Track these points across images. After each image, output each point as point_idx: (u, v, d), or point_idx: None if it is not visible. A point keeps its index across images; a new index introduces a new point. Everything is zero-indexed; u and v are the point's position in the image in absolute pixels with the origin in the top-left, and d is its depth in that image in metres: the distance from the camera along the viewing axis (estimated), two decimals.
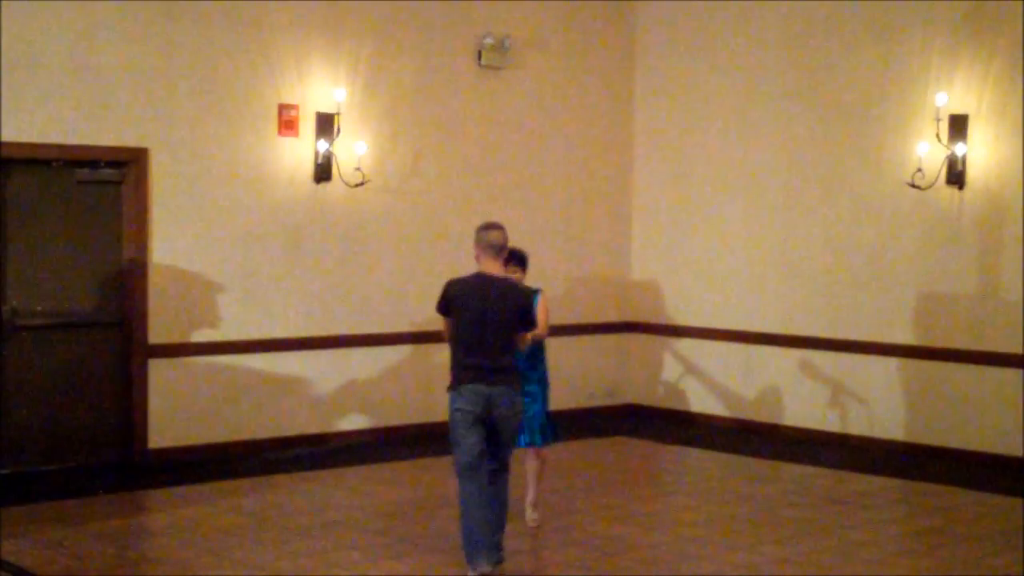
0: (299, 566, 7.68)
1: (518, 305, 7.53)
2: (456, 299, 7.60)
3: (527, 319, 7.59)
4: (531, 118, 12.58)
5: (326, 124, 11.07)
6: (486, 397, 7.35)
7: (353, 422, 11.51)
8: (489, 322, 7.43)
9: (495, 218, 12.20)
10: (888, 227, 11.42)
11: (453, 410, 7.43)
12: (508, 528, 7.72)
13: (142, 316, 10.32)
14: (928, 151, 10.94)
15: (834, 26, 11.77)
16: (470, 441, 7.34)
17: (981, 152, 10.80)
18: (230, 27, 10.66)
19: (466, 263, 12.18)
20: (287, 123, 10.99)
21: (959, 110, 10.85)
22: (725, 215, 12.62)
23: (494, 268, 7.61)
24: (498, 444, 7.44)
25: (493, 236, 7.61)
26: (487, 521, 7.34)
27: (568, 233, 12.80)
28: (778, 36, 12.19)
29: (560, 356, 11.29)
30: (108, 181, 10.27)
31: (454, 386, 7.47)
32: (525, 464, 8.50)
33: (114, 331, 10.33)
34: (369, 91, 11.44)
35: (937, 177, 10.94)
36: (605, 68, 13.12)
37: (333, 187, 11.22)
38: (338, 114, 11.08)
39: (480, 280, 7.57)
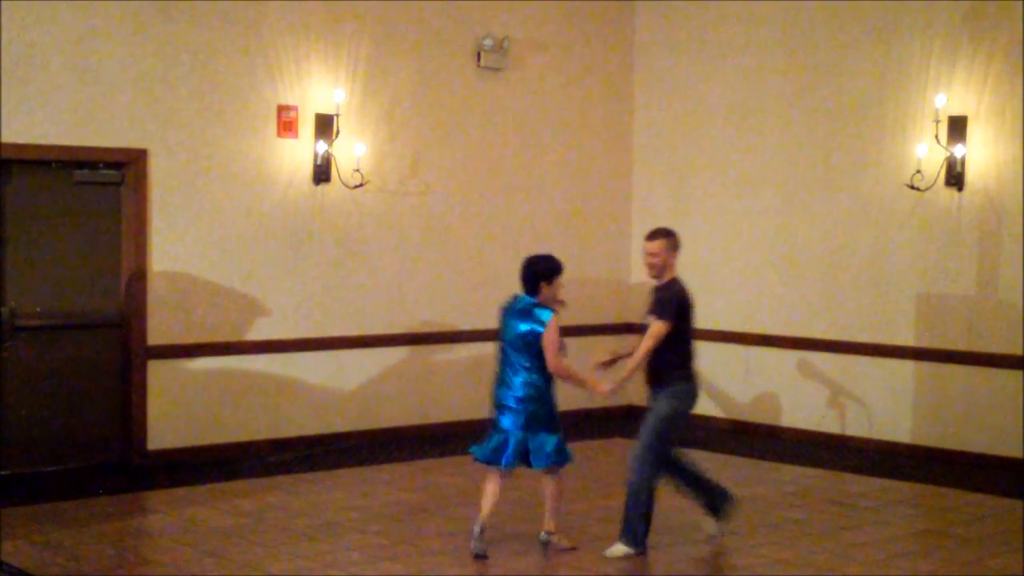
0: (298, 567, 7.68)
1: None
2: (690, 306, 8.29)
3: None
4: (530, 119, 12.59)
5: (325, 125, 11.07)
6: None
7: (352, 423, 11.51)
8: None
9: (493, 218, 12.34)
10: (887, 229, 11.43)
11: (691, 405, 8.21)
12: (516, 528, 8.03)
13: (141, 317, 10.33)
14: (927, 153, 10.95)
15: (834, 27, 11.78)
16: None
17: (980, 154, 10.81)
18: (229, 28, 10.67)
19: (466, 264, 12.26)
20: (286, 124, 10.99)
21: (958, 112, 10.86)
22: (724, 216, 12.62)
23: None
24: None
25: None
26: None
27: (567, 234, 12.79)
28: (778, 37, 12.19)
29: None
30: (107, 182, 10.27)
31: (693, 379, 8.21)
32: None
33: (113, 332, 10.33)
34: (368, 92, 11.44)
35: (936, 178, 10.95)
36: (605, 68, 13.12)
37: (332, 188, 11.22)
38: (337, 115, 11.08)
39: None
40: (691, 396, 8.18)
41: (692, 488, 8.32)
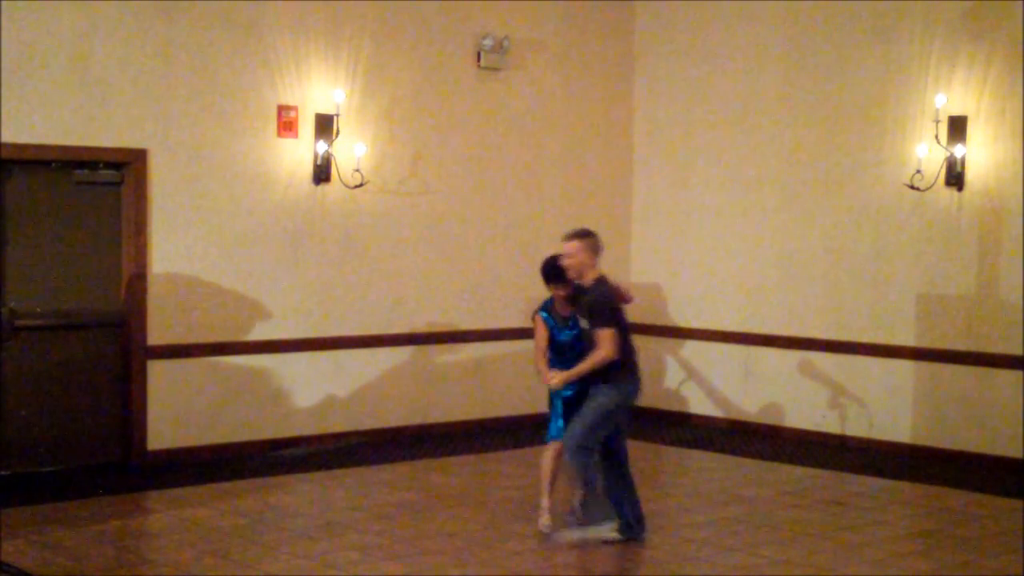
0: (298, 567, 7.68)
1: None
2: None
3: None
4: (530, 119, 12.59)
5: (325, 125, 11.07)
6: None
7: (352, 423, 11.50)
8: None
9: (493, 218, 12.34)
10: (887, 229, 11.43)
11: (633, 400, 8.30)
12: (516, 528, 8.06)
13: (141, 317, 10.33)
14: (927, 153, 10.95)
15: (834, 28, 11.77)
16: None
17: (980, 154, 10.81)
18: (229, 28, 10.67)
19: (466, 264, 12.25)
20: (286, 124, 11.00)
21: (958, 112, 10.86)
22: (725, 216, 12.62)
23: None
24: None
25: None
26: None
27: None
28: (778, 38, 12.19)
29: None
30: (107, 182, 10.27)
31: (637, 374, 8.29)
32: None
33: (113, 332, 10.33)
34: (368, 92, 11.44)
35: (936, 179, 10.95)
36: (605, 69, 13.12)
37: (332, 188, 11.22)
38: (337, 115, 11.08)
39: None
40: (635, 392, 8.24)
41: (615, 498, 8.21)
